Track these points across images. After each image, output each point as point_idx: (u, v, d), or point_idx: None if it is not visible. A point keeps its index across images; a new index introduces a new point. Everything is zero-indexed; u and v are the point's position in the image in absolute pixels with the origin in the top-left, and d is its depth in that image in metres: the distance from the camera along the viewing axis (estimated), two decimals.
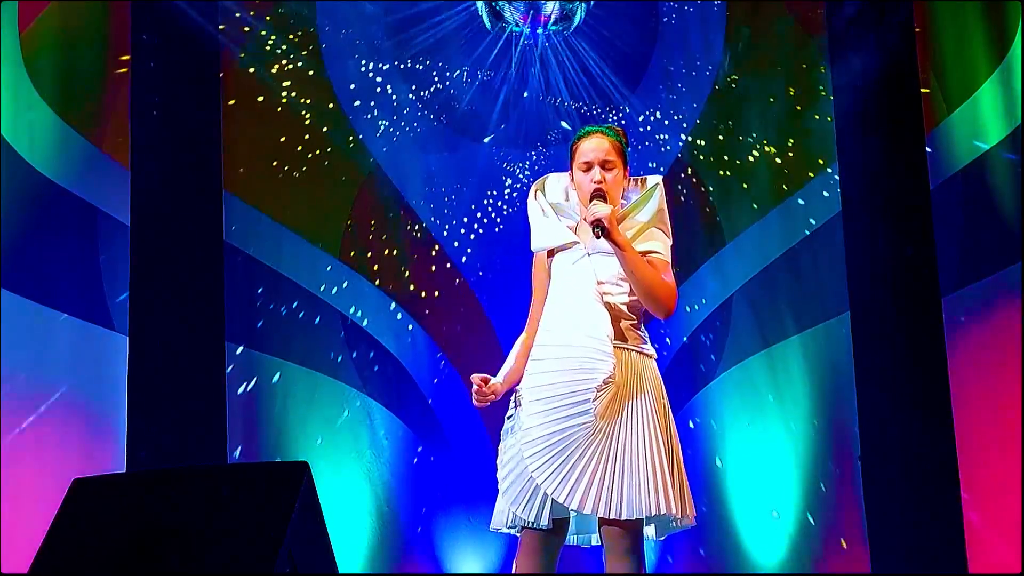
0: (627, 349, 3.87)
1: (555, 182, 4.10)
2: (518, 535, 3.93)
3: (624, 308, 3.91)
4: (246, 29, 6.70)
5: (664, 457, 3.78)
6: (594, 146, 3.98)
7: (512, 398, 3.96)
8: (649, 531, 3.93)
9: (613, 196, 3.94)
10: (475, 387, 3.94)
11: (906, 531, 6.28)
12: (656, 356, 3.96)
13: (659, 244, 3.95)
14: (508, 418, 3.94)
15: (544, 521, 3.81)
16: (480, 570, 6.51)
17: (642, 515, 3.74)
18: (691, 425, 6.71)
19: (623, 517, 3.73)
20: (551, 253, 4.02)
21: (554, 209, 4.03)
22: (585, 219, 3.92)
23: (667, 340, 6.78)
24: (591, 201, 3.90)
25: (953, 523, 6.21)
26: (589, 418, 3.75)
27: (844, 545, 6.48)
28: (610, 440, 3.76)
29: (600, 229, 3.80)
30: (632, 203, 3.99)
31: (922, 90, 6.60)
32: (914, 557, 6.23)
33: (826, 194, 6.73)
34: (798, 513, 6.55)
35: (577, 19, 6.79)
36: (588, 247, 3.92)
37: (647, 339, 3.95)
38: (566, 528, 3.93)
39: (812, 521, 6.53)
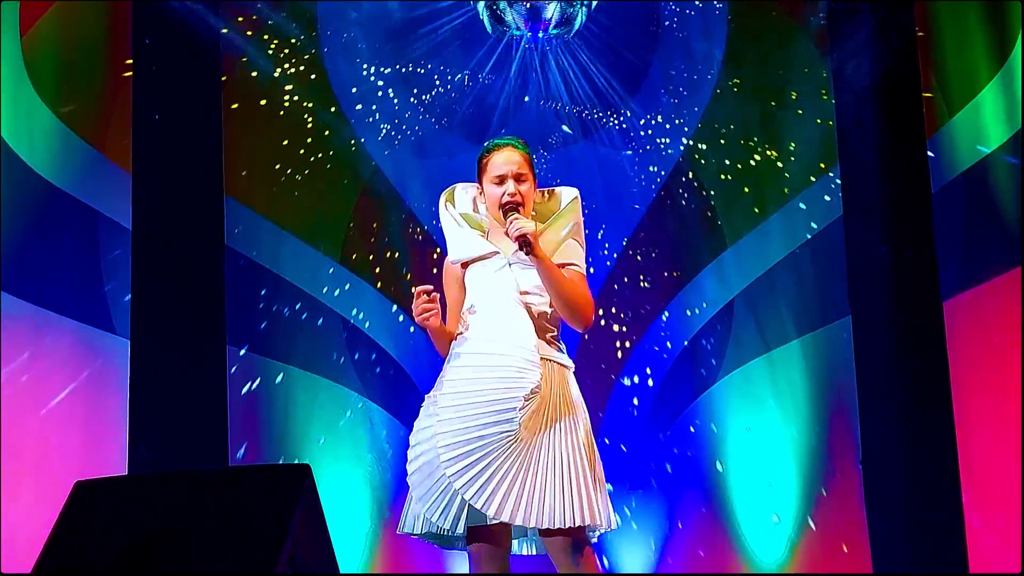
0: (549, 360, 3.87)
1: (463, 193, 4.12)
2: (431, 542, 3.92)
3: (545, 318, 3.92)
4: (248, 33, 6.70)
5: (587, 468, 3.77)
6: (506, 159, 4.00)
7: (423, 404, 3.93)
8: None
9: (527, 208, 3.97)
10: (421, 297, 3.89)
11: (907, 533, 6.27)
12: (572, 368, 3.95)
13: (576, 256, 3.97)
14: (417, 422, 3.91)
15: (460, 529, 3.79)
16: None
17: (562, 525, 3.70)
18: (691, 429, 6.71)
19: (543, 526, 3.71)
20: (464, 264, 4.03)
21: (465, 219, 4.05)
22: (507, 234, 3.90)
23: (668, 344, 6.78)
24: (505, 214, 3.92)
25: (954, 526, 6.20)
26: (513, 427, 3.73)
27: (845, 548, 6.48)
28: (532, 450, 3.74)
29: (527, 245, 3.82)
30: (553, 217, 4.00)
31: (923, 94, 6.60)
32: (915, 559, 6.23)
33: (827, 198, 6.73)
34: (799, 516, 6.54)
35: (578, 23, 6.79)
36: (509, 258, 3.93)
37: (564, 350, 3.96)
38: (510, 534, 3.91)
39: (813, 524, 6.53)
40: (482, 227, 4.04)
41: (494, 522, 3.80)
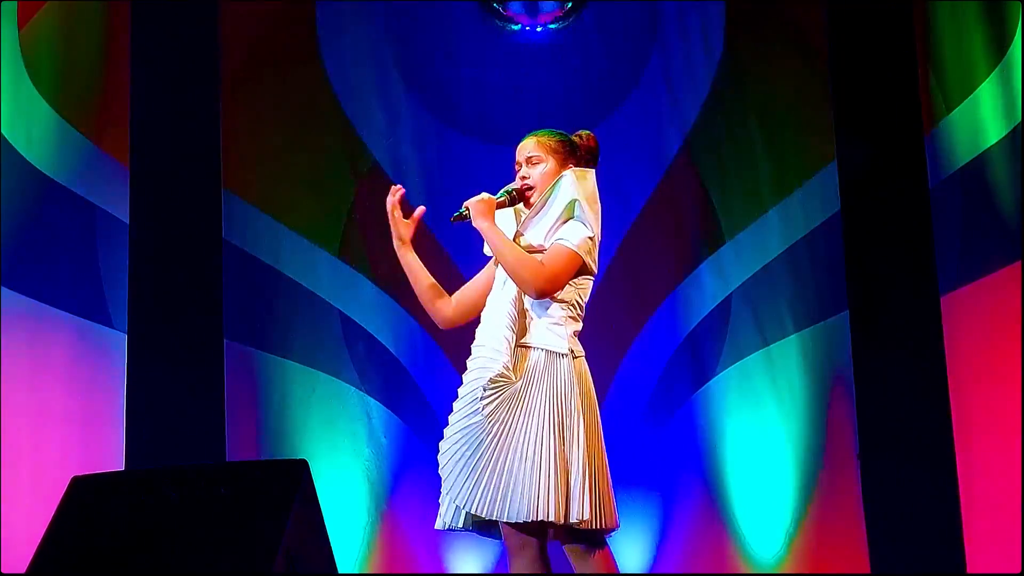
0: (535, 348, 3.85)
1: None
2: (470, 531, 3.93)
3: (539, 307, 3.89)
4: (247, 24, 6.69)
5: (554, 460, 3.73)
6: (519, 149, 4.08)
7: None
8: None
9: (539, 189, 3.99)
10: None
11: (904, 526, 6.27)
12: (573, 354, 3.88)
13: (567, 232, 3.90)
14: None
15: (460, 523, 3.85)
16: (479, 567, 6.51)
17: (533, 519, 3.69)
18: (688, 424, 6.71)
19: (519, 520, 3.70)
20: None
21: (516, 212, 4.08)
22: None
23: (665, 339, 6.78)
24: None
25: (951, 519, 6.21)
26: (478, 418, 3.76)
27: (842, 543, 6.48)
28: (504, 441, 3.75)
29: (457, 215, 3.96)
30: (542, 198, 3.98)
31: (922, 88, 6.59)
32: (912, 552, 6.23)
33: (827, 193, 6.72)
34: (797, 510, 6.54)
35: (575, 17, 6.78)
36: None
37: (564, 336, 3.88)
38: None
39: (811, 519, 6.53)
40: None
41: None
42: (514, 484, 3.70)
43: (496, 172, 6.77)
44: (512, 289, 3.91)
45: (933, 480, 6.28)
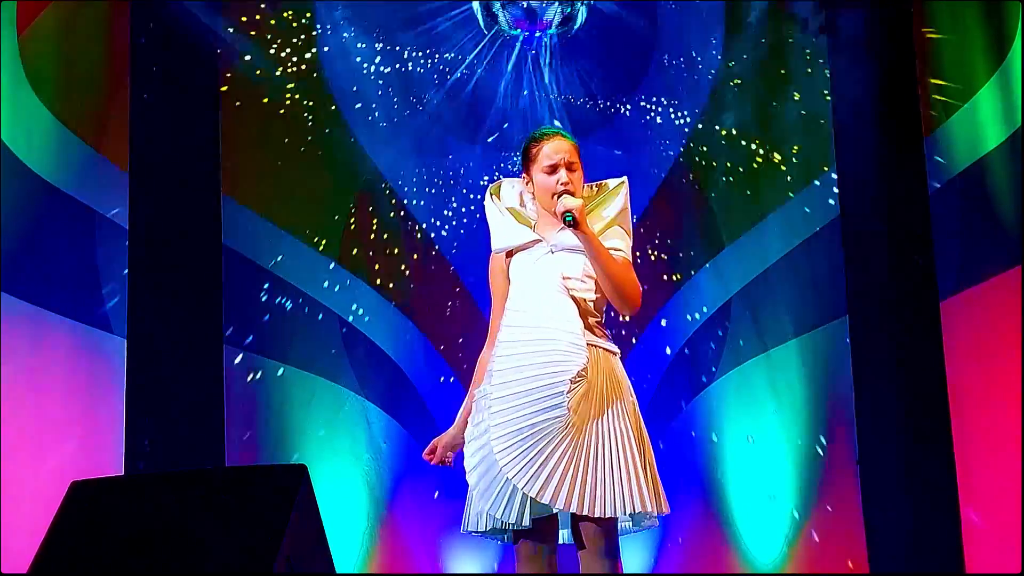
0: (595, 346, 3.85)
1: (509, 188, 4.08)
2: (496, 540, 3.90)
3: (590, 304, 3.90)
4: (247, 32, 6.69)
5: (637, 454, 3.76)
6: (556, 148, 3.95)
7: (475, 400, 3.90)
8: (626, 522, 3.90)
9: (577, 197, 3.94)
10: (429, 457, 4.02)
11: (904, 532, 6.28)
12: (619, 354, 3.94)
13: (622, 243, 3.94)
14: (470, 418, 3.88)
15: (526, 521, 3.74)
16: (479, 571, 6.51)
17: (617, 513, 3.70)
18: (689, 429, 6.71)
19: (596, 514, 3.69)
20: (509, 255, 4.00)
21: (511, 213, 4.01)
22: (555, 212, 3.87)
23: (665, 344, 6.78)
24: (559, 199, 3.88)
25: (951, 524, 6.21)
26: (562, 412, 3.70)
27: (842, 547, 6.48)
28: (584, 436, 3.72)
29: (570, 219, 3.77)
30: (597, 200, 3.98)
31: (921, 93, 6.59)
32: (913, 558, 6.23)
33: (827, 198, 6.73)
34: (796, 515, 6.54)
35: (579, 22, 6.79)
36: (552, 244, 3.91)
37: (610, 336, 3.94)
38: (556, 531, 3.89)
39: (810, 523, 6.53)
40: (529, 223, 4.00)
41: (555, 511, 3.77)
42: (607, 479, 3.70)
43: (494, 176, 6.81)
44: (557, 283, 3.85)
45: (932, 483, 6.28)
